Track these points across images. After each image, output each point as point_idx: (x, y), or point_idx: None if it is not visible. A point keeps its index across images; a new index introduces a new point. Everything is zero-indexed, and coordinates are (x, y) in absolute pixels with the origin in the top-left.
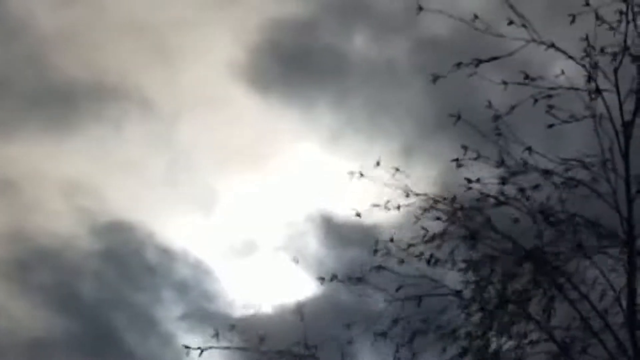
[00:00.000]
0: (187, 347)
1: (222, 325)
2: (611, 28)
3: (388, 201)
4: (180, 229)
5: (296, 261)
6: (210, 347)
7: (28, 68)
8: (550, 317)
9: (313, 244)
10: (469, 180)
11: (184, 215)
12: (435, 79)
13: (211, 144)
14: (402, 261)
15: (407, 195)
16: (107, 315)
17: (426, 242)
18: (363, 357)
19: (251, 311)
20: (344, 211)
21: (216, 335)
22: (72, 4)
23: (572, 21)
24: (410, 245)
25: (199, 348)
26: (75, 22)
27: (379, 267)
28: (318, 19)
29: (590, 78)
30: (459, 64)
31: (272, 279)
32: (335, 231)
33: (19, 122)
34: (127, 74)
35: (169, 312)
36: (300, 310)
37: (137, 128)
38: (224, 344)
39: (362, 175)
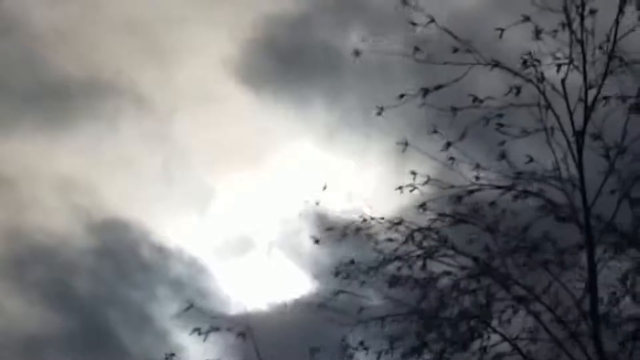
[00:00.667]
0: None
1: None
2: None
3: (346, 226)
4: (175, 226)
5: None
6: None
7: (23, 66)
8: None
9: (307, 241)
10: (422, 205)
11: (179, 212)
12: (380, 112)
13: (206, 141)
14: (363, 283)
15: (364, 221)
16: (102, 312)
17: (385, 264)
18: None
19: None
20: (339, 208)
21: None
22: (67, 2)
23: (501, 35)
24: (370, 268)
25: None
26: (70, 20)
27: (340, 292)
28: (312, 16)
29: (539, 92)
30: (402, 95)
31: (267, 277)
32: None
33: (14, 119)
34: (122, 71)
35: (164, 310)
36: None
37: (132, 125)
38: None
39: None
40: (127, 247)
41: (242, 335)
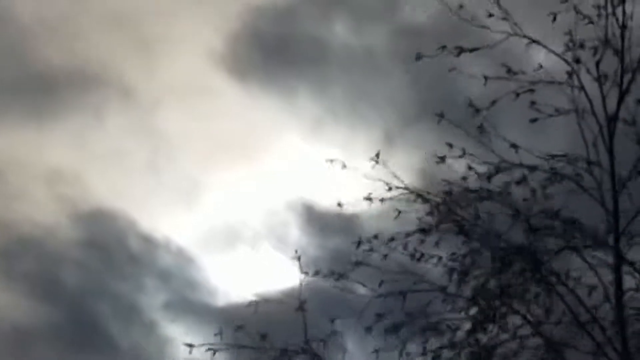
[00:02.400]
0: (189, 345)
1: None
2: (590, 22)
3: (370, 193)
4: (163, 217)
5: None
6: (211, 348)
7: (9, 57)
8: (548, 313)
9: (294, 233)
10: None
11: (166, 203)
12: (419, 58)
13: (192, 133)
14: (385, 256)
15: (390, 189)
16: (89, 304)
17: (408, 236)
18: (353, 346)
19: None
20: (325, 200)
21: (219, 334)
22: None
23: (554, 20)
24: (391, 239)
25: (203, 345)
26: (56, 12)
27: (360, 263)
28: (298, 7)
29: (573, 72)
30: (443, 47)
31: (254, 268)
32: (317, 220)
33: (0, 111)
34: (108, 63)
35: (152, 301)
36: (301, 305)
37: (119, 117)
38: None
39: (344, 166)
40: (114, 238)
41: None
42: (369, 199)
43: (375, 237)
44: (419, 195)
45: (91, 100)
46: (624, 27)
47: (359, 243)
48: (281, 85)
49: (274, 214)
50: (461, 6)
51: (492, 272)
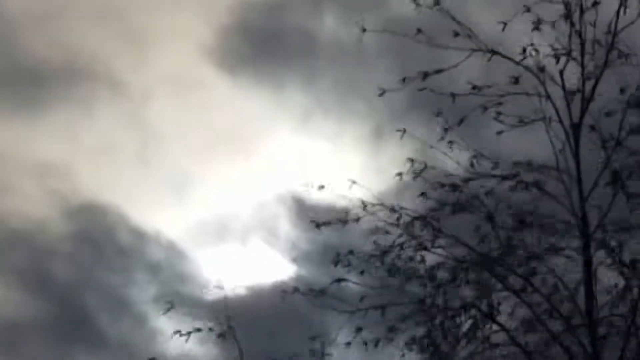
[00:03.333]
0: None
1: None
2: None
3: (346, 212)
4: (153, 210)
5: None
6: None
7: None
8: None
9: (285, 225)
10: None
11: (156, 196)
12: (382, 93)
13: (182, 126)
14: (362, 272)
15: (365, 207)
16: (79, 297)
17: (385, 253)
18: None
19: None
20: (315, 192)
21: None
22: None
23: (503, 29)
24: (371, 256)
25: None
26: (45, 4)
27: (340, 280)
28: (287, 1)
29: (539, 81)
30: (404, 79)
31: (245, 261)
32: (307, 213)
33: None
34: (97, 56)
35: (142, 294)
36: None
37: (108, 110)
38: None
39: (322, 187)
40: (104, 231)
41: (222, 336)
42: (344, 221)
43: (351, 252)
44: (395, 210)
45: (81, 93)
46: (582, 36)
47: (337, 262)
48: (270, 78)
49: (264, 207)
50: (419, 30)
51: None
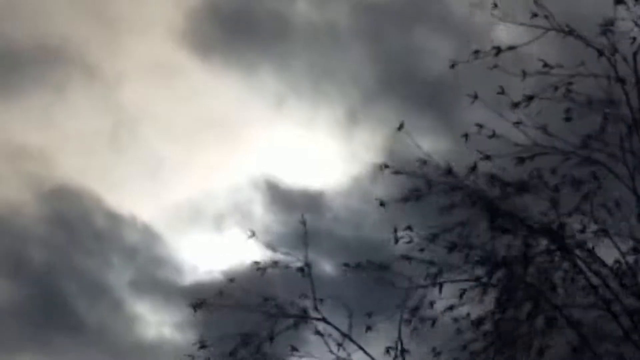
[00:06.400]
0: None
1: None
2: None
3: (413, 190)
4: (128, 194)
5: (252, 234)
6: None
7: None
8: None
9: (258, 209)
10: (487, 157)
11: (130, 180)
12: (453, 65)
13: (155, 109)
14: (422, 249)
15: (430, 187)
16: (56, 281)
17: (448, 230)
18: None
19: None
20: (289, 177)
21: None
22: None
23: None
24: (434, 236)
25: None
26: None
27: (403, 257)
28: None
29: (610, 64)
30: (476, 52)
31: (220, 245)
32: (281, 197)
33: None
34: (70, 39)
35: (118, 278)
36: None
37: (81, 93)
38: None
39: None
40: (79, 215)
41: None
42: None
43: (409, 227)
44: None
45: (54, 77)
46: None
47: (397, 240)
48: (243, 62)
49: (238, 191)
50: (495, 5)
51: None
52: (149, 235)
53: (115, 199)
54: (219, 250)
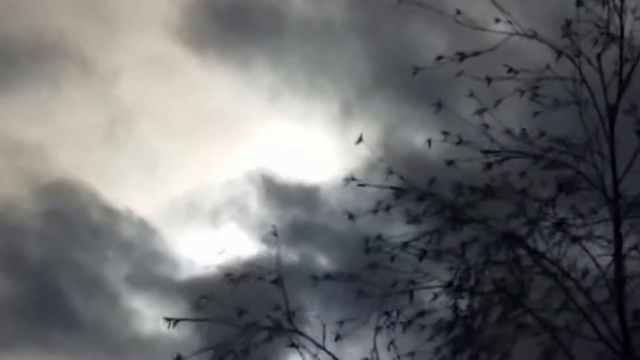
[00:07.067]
0: (168, 319)
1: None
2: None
3: (379, 202)
4: (124, 188)
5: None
6: (186, 319)
7: None
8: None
9: (254, 204)
10: (449, 162)
11: (126, 174)
12: (416, 71)
13: (150, 104)
14: (392, 258)
15: (398, 197)
16: (52, 276)
17: (418, 239)
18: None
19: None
20: (284, 171)
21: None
22: None
23: None
24: (405, 244)
25: (173, 319)
26: None
27: (373, 265)
28: None
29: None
30: (439, 57)
31: (216, 240)
32: (276, 191)
33: None
34: (66, 34)
35: (114, 273)
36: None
37: (77, 87)
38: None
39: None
40: (76, 209)
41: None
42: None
43: (379, 237)
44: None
45: (50, 72)
46: (622, 18)
47: (368, 249)
48: (238, 56)
49: (234, 185)
50: (459, 11)
51: (487, 262)
52: (146, 230)
53: (111, 193)
54: (215, 244)
